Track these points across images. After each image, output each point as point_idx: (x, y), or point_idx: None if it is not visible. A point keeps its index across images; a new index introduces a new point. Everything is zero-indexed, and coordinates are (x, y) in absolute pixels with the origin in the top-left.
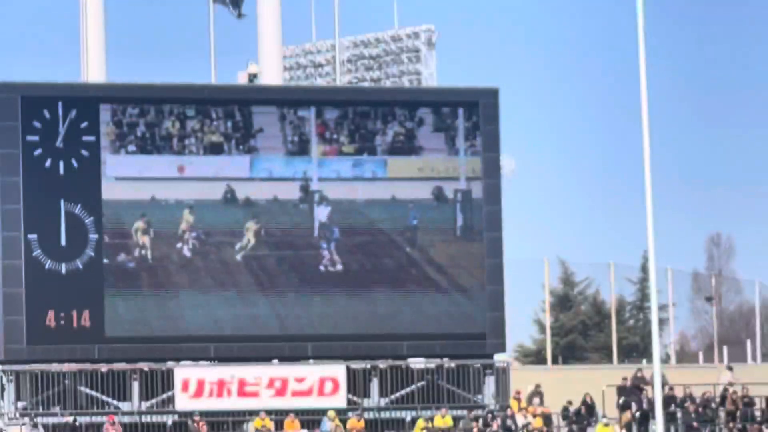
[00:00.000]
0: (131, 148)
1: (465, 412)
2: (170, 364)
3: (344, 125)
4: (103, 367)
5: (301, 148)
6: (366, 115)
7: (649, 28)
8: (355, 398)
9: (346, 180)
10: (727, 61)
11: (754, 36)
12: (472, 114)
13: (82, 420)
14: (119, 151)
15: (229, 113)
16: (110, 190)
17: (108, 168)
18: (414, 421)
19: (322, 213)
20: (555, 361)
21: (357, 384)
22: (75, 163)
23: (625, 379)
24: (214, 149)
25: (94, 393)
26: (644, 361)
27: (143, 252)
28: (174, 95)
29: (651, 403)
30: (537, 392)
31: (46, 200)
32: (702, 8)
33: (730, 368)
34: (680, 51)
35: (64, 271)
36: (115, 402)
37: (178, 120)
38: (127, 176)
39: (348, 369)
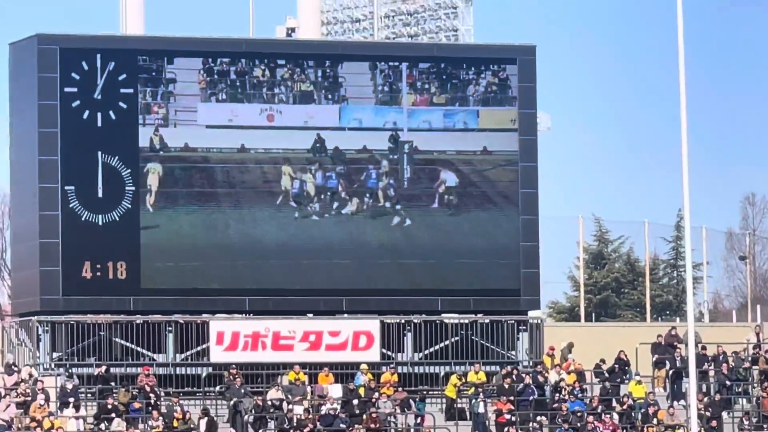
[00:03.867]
0: (222, 96)
1: (498, 368)
2: (205, 316)
3: (436, 75)
4: (138, 319)
5: (392, 98)
6: (458, 64)
7: None
8: (388, 353)
9: (437, 131)
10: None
11: None
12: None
13: (117, 371)
14: (210, 99)
15: (320, 63)
16: (201, 138)
17: (199, 116)
18: (447, 376)
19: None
20: (588, 318)
21: (391, 338)
22: (113, 115)
23: (659, 336)
24: (304, 98)
25: (129, 344)
26: (677, 319)
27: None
28: (210, 49)
29: (684, 361)
30: (570, 349)
31: (84, 152)
32: None
33: (757, 330)
34: (717, 10)
35: (100, 222)
36: (149, 353)
37: (267, 68)
38: (217, 124)
39: (382, 323)
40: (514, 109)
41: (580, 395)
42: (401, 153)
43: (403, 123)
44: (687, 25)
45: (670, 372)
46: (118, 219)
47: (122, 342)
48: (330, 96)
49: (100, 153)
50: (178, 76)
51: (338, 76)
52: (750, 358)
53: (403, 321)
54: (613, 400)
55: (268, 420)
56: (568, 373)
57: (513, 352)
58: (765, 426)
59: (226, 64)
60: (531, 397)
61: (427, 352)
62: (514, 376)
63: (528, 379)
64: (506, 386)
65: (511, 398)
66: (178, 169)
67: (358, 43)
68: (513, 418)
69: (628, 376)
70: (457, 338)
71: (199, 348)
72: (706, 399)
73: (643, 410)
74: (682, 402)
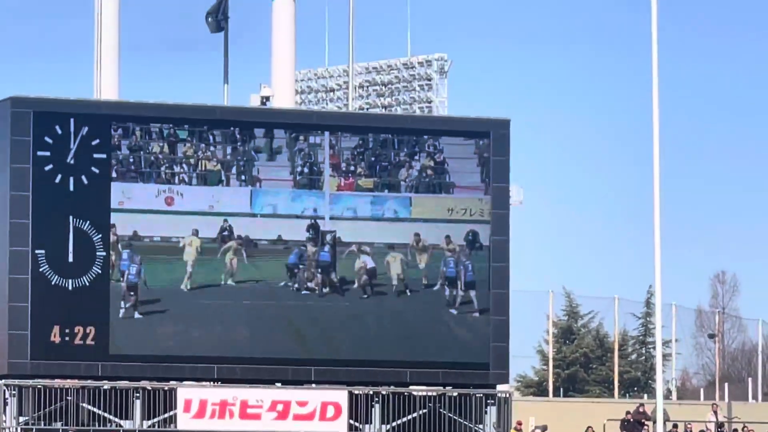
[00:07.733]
0: (113, 174)
1: None
2: (173, 383)
3: (363, 156)
4: (106, 384)
5: (312, 181)
6: (388, 144)
7: (663, 59)
8: (356, 424)
9: (363, 219)
10: (737, 96)
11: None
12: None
13: None
14: None
15: (230, 138)
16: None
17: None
18: None
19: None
20: (556, 393)
21: (359, 410)
22: (85, 180)
23: (627, 413)
24: (210, 178)
25: (96, 410)
26: (645, 396)
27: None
28: (183, 115)
29: None
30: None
31: (55, 216)
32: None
33: (714, 408)
34: (691, 85)
35: (70, 287)
36: (116, 419)
37: (167, 143)
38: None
39: (350, 394)
40: (450, 197)
41: None
42: (322, 244)
43: (325, 210)
44: (662, 102)
45: None
46: (88, 284)
47: (89, 407)
48: (241, 178)
49: (71, 217)
50: None
51: (250, 153)
52: None
53: (371, 392)
54: None
55: None
56: None
57: (481, 426)
58: None
59: (118, 138)
60: None
61: (395, 423)
62: None
63: None
64: None
65: None
66: None
67: (333, 114)
68: None
69: None
70: (425, 410)
71: (166, 415)
72: None
73: None
74: None
